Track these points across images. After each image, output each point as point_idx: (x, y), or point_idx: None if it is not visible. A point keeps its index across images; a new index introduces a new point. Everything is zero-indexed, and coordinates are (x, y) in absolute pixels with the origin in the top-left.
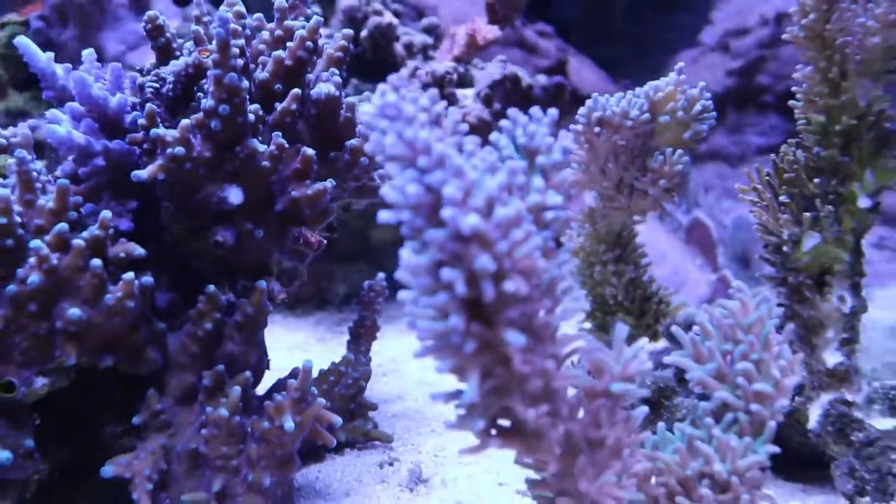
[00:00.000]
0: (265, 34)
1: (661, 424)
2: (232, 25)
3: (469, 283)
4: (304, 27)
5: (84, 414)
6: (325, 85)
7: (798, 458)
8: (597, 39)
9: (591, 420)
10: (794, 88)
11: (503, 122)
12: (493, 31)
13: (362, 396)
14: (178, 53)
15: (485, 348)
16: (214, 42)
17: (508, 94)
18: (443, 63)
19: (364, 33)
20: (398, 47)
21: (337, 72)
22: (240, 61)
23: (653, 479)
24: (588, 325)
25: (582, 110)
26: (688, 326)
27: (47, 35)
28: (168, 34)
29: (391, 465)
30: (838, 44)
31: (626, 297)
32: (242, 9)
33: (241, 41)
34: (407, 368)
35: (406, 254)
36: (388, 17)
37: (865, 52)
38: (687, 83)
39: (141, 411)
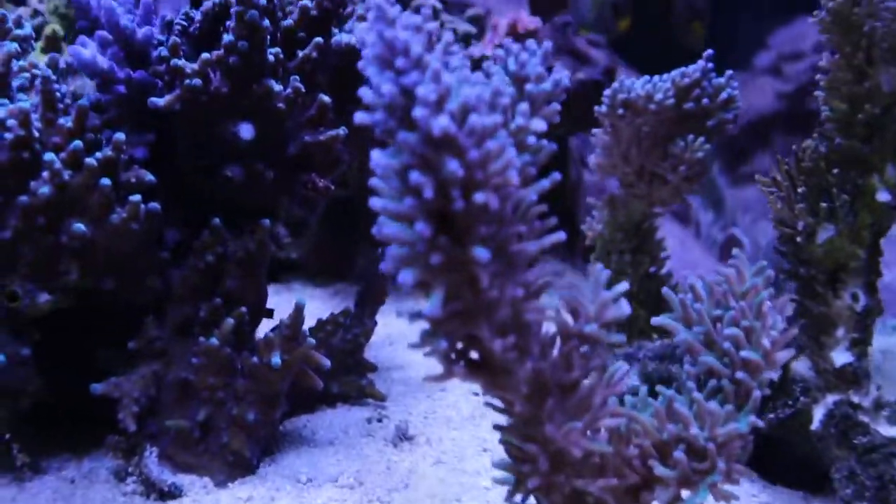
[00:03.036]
0: None
1: (642, 388)
2: None
3: (438, 191)
4: None
5: (83, 337)
6: (346, 35)
7: (801, 466)
8: (649, 55)
9: (563, 362)
10: (818, 76)
11: (497, 51)
12: (534, 22)
13: (362, 355)
14: None
15: (452, 264)
16: None
17: None
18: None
19: None
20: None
21: (361, 26)
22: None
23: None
24: None
25: (607, 92)
26: None
27: None
28: None
29: (380, 421)
30: (866, 29)
31: (640, 290)
32: None
33: None
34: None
35: (377, 155)
36: (433, 1)
37: (893, 39)
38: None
39: (136, 337)
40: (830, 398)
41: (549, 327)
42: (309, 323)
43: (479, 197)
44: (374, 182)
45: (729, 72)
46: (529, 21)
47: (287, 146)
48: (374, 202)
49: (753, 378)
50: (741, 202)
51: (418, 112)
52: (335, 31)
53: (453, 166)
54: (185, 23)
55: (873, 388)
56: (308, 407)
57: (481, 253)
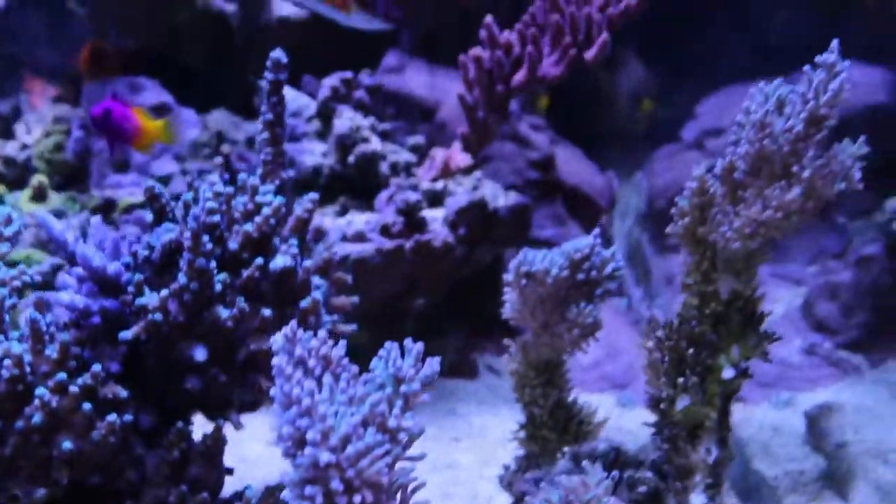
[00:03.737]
0: (241, 200)
1: None
2: (204, 220)
3: (326, 497)
4: (271, 203)
5: None
6: (281, 258)
7: None
8: (586, 130)
9: None
10: (677, 272)
11: (380, 351)
12: (465, 160)
13: None
14: (170, 214)
15: None
16: (188, 232)
17: (474, 218)
18: (422, 183)
19: (352, 159)
20: (384, 166)
21: (295, 242)
22: (210, 246)
23: None
24: (522, 434)
25: (512, 263)
26: (591, 457)
27: (86, 142)
28: (163, 200)
29: None
30: (709, 241)
31: (550, 417)
32: (220, 188)
33: (217, 218)
34: None
35: (286, 469)
36: (374, 145)
37: (728, 255)
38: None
39: None
40: None
41: None
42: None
43: (356, 498)
44: (285, 491)
45: (613, 248)
46: (461, 159)
47: (237, 354)
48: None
49: None
50: (665, 273)
51: (308, 449)
52: (277, 243)
53: (336, 484)
54: (147, 252)
55: None
56: None
57: None
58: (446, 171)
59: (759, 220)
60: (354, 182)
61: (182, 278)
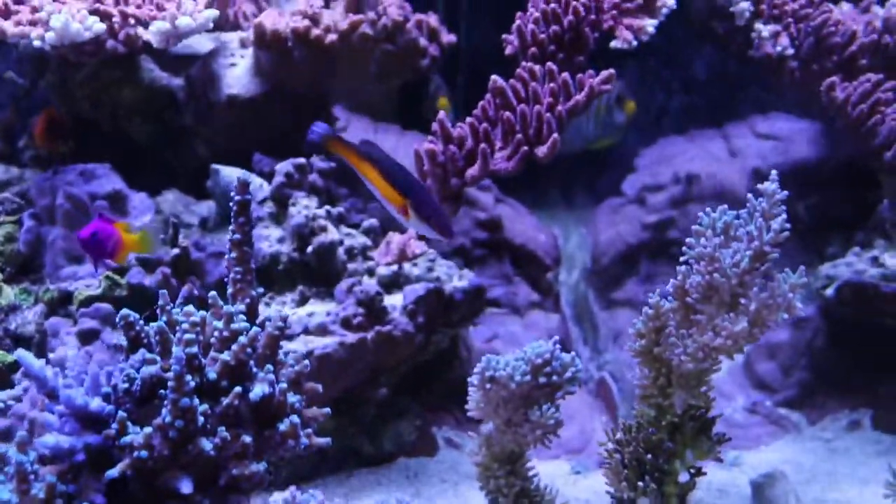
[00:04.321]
0: (217, 325)
1: None
2: (187, 351)
3: None
4: (246, 331)
5: None
6: (259, 387)
7: None
8: (529, 185)
9: None
10: (634, 382)
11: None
12: (420, 247)
13: None
14: (145, 341)
15: None
16: (171, 372)
17: (432, 305)
18: (379, 268)
19: (310, 249)
20: (340, 252)
21: (272, 368)
22: (192, 384)
23: None
24: None
25: (477, 368)
26: None
27: (38, 232)
28: (137, 328)
29: None
30: (664, 359)
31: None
32: (197, 318)
33: (195, 349)
34: None
35: None
36: (331, 235)
37: (682, 372)
38: (554, 347)
39: None
40: None
41: None
42: None
43: None
44: None
45: (572, 354)
46: (416, 246)
47: (219, 478)
48: None
49: None
50: (612, 329)
51: None
52: (255, 370)
53: None
54: (127, 384)
55: None
56: None
57: None
58: (402, 258)
59: (711, 345)
60: (311, 269)
61: (167, 416)
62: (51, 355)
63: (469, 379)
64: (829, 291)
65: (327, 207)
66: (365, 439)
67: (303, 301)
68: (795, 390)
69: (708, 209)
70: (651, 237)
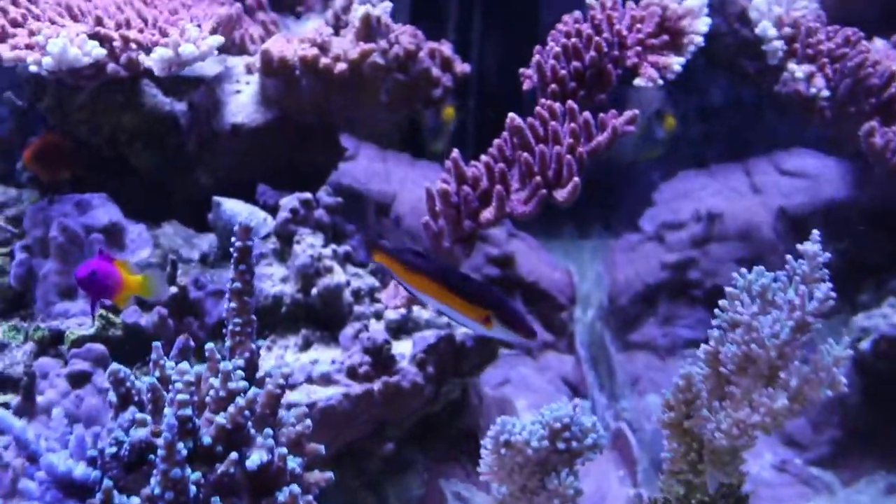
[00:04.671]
0: (214, 383)
1: None
2: (180, 414)
3: None
4: (244, 392)
5: None
6: (257, 454)
7: None
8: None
9: None
10: (662, 455)
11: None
12: None
13: None
14: (136, 398)
15: None
16: (161, 439)
17: (443, 355)
18: (387, 312)
19: (315, 291)
20: (347, 294)
21: (271, 433)
22: (185, 453)
23: None
24: None
25: (491, 431)
26: None
27: (29, 265)
28: (128, 384)
29: None
30: (696, 433)
31: None
32: (191, 377)
33: (189, 411)
34: None
35: None
36: (337, 277)
37: (714, 449)
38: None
39: None
40: None
41: None
42: None
43: None
44: None
45: (594, 419)
46: None
47: None
48: None
49: None
50: (630, 374)
51: None
52: (253, 433)
53: None
54: (114, 448)
55: None
56: None
57: None
58: (411, 301)
59: (748, 422)
60: (316, 312)
61: (156, 487)
62: (39, 398)
63: (482, 441)
64: (865, 345)
65: (333, 246)
66: (369, 494)
67: (306, 346)
68: (827, 448)
69: (743, 270)
70: (670, 277)
